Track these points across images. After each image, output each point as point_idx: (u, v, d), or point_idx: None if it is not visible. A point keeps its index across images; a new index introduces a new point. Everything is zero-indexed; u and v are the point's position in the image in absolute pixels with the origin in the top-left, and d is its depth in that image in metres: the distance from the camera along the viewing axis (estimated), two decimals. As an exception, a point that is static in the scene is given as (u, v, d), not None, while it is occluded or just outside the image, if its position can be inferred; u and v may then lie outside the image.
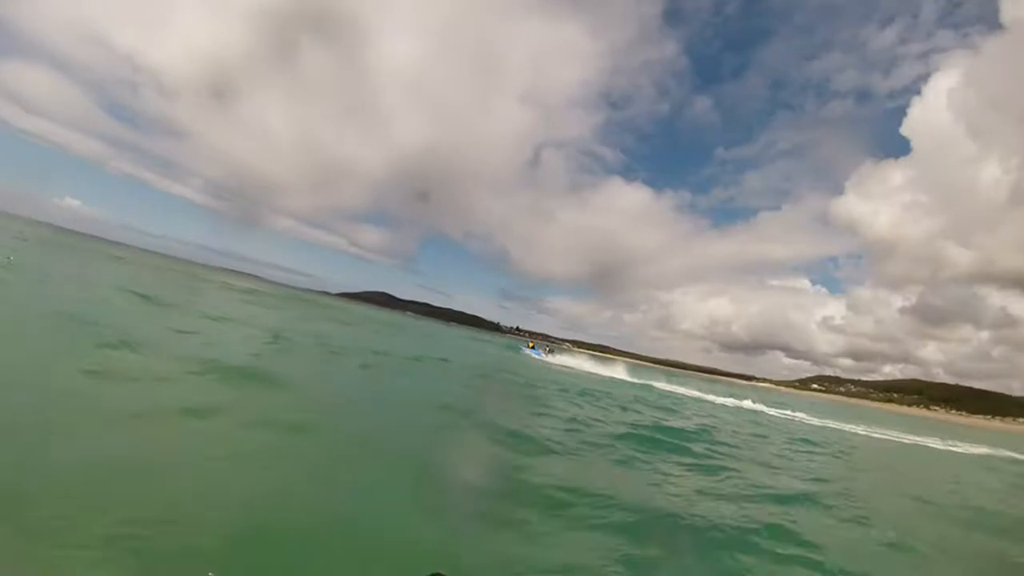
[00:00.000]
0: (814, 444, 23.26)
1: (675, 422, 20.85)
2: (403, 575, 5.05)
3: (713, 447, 15.96)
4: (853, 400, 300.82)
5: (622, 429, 15.82)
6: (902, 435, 42.71)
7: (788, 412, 45.23)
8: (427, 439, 10.72)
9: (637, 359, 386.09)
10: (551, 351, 63.38)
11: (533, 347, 65.18)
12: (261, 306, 40.02)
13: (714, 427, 21.58)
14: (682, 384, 57.71)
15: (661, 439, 15.11)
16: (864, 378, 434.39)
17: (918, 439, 40.64)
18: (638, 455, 12.49)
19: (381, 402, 14.18)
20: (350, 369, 18.83)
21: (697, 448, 15.05)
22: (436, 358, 30.68)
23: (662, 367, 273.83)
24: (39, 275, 23.42)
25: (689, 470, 12.24)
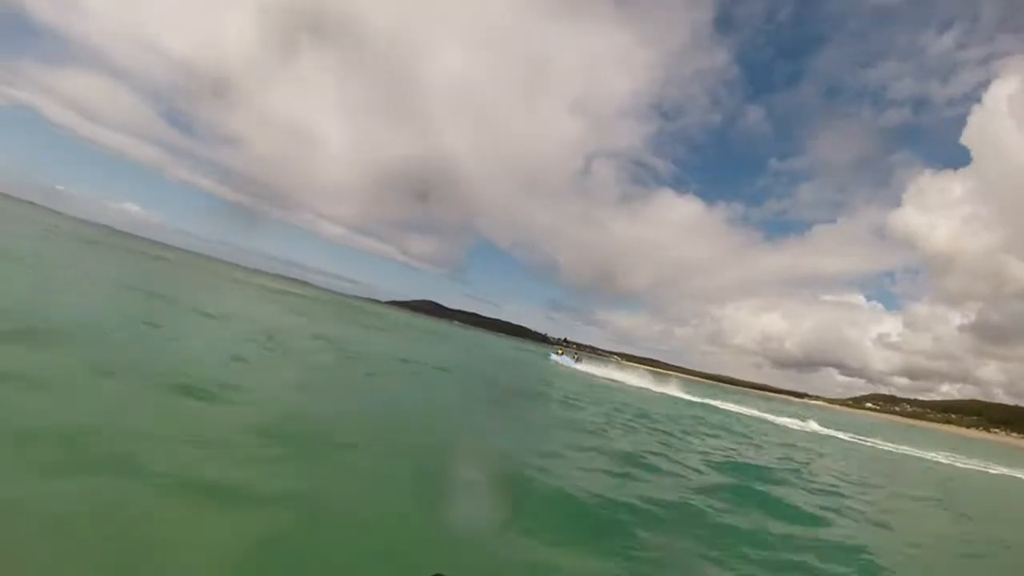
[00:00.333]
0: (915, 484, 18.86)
1: (753, 455, 16.82)
2: None
3: (816, 496, 11.88)
4: (909, 420, 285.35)
5: (696, 472, 11.82)
6: (987, 465, 37.78)
7: (861, 437, 40.67)
8: (383, 492, 6.74)
9: (687, 374, 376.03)
10: (579, 359, 62.22)
11: (562, 354, 64.89)
12: (283, 307, 37.30)
13: (804, 464, 17.33)
14: (738, 402, 53.09)
15: (749, 487, 11.10)
16: (921, 397, 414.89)
17: (1006, 470, 35.22)
18: (730, 521, 8.47)
19: (349, 422, 10.05)
20: (350, 377, 15.35)
21: (800, 500, 10.99)
22: (465, 368, 27.51)
23: (713, 383, 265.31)
24: (39, 265, 21.11)
25: (820, 554, 8.18)
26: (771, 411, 49.61)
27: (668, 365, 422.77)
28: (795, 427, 37.21)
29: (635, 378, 53.80)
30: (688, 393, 48.15)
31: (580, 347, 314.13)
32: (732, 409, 40.39)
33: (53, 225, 62.60)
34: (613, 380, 49.19)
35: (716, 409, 37.03)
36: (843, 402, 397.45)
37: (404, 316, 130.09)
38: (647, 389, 44.07)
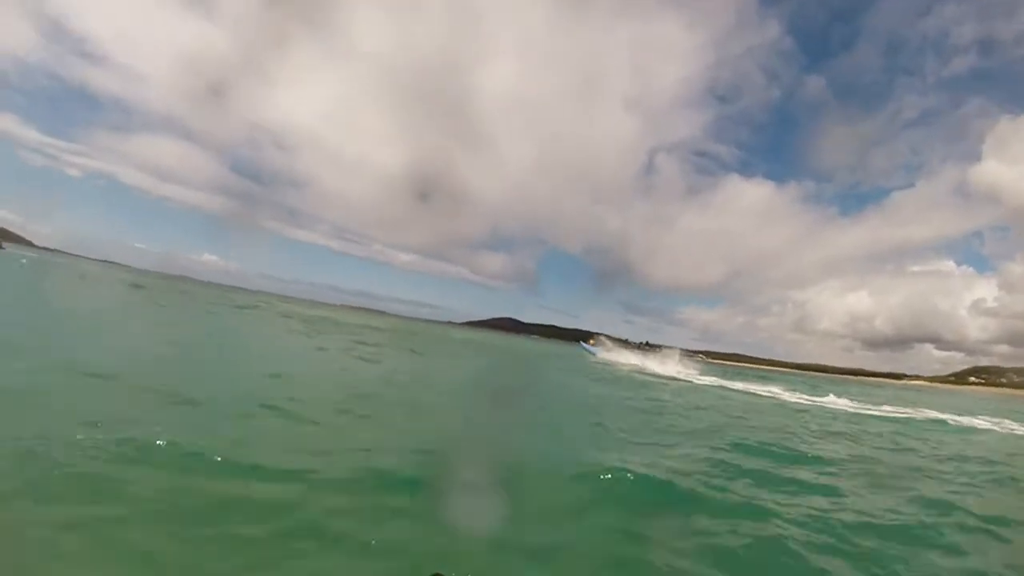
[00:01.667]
0: None
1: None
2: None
3: None
4: (1021, 392, 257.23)
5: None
6: None
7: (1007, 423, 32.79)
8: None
9: (775, 366, 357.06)
10: (609, 350, 64.33)
11: (593, 344, 68.55)
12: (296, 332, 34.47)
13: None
14: (856, 397, 44.97)
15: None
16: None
17: None
18: None
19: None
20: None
21: None
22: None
23: (806, 373, 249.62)
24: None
25: None
26: (901, 402, 42.54)
27: (754, 359, 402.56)
28: (952, 423, 30.01)
29: (669, 366, 53.77)
30: (797, 391, 41.72)
31: (661, 347, 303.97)
32: (874, 412, 33.33)
33: (138, 283, 62.68)
34: (640, 369, 49.65)
35: (827, 410, 30.84)
36: (944, 379, 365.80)
37: (473, 335, 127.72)
38: (751, 392, 37.71)
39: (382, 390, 16.51)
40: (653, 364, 55.01)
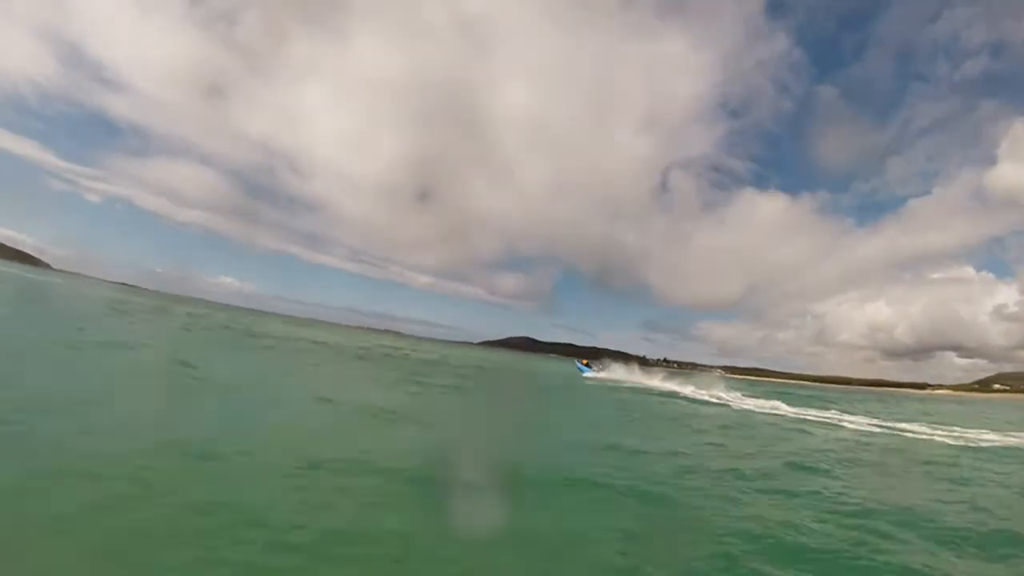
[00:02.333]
0: None
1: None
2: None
3: None
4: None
5: None
6: None
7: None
8: None
9: (795, 379, 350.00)
10: (603, 368, 66.28)
11: (587, 364, 68.52)
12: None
13: None
14: (875, 413, 42.39)
15: None
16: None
17: None
18: None
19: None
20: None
21: None
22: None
23: (829, 386, 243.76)
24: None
25: None
26: (934, 420, 39.93)
27: (774, 372, 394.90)
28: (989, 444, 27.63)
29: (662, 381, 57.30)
30: (804, 408, 39.47)
31: (682, 365, 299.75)
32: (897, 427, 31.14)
33: (162, 307, 62.25)
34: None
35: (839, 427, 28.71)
36: (968, 387, 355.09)
37: (495, 355, 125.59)
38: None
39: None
40: (645, 379, 59.46)
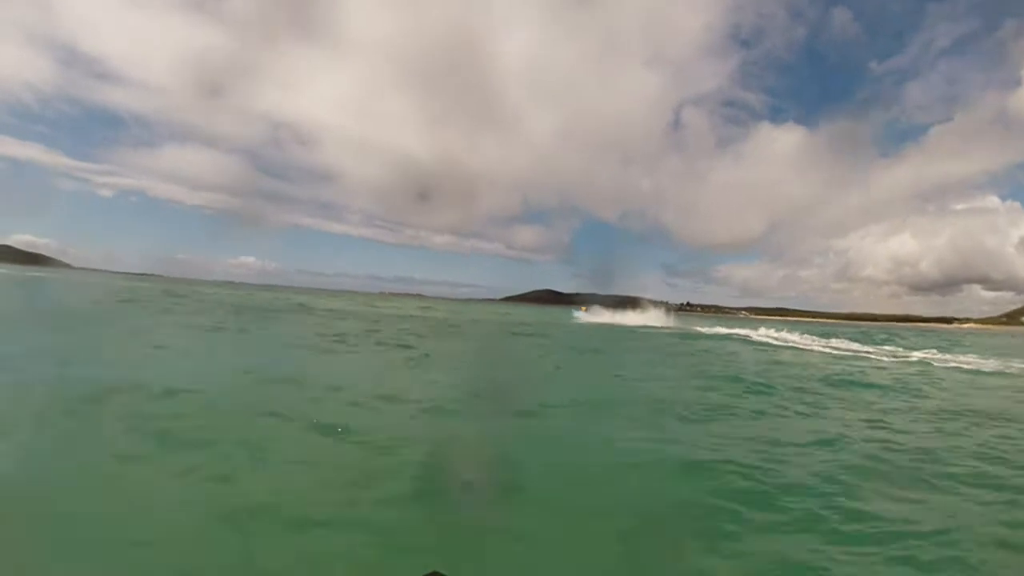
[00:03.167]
0: None
1: None
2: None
3: None
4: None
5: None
6: None
7: None
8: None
9: (820, 318, 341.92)
10: (596, 312, 73.64)
11: (586, 310, 76.36)
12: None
13: None
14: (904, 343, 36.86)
15: None
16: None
17: None
18: None
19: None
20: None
21: None
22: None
23: (856, 323, 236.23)
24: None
25: None
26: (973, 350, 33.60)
27: (799, 312, 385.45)
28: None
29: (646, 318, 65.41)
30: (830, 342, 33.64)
31: (705, 308, 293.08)
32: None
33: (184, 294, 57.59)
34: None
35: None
36: (997, 320, 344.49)
37: (516, 309, 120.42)
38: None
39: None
40: (629, 318, 66.53)
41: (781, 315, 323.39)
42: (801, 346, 34.17)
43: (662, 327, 47.66)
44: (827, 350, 31.81)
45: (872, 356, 28.08)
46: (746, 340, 37.77)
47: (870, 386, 16.51)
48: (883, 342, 41.85)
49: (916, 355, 28.75)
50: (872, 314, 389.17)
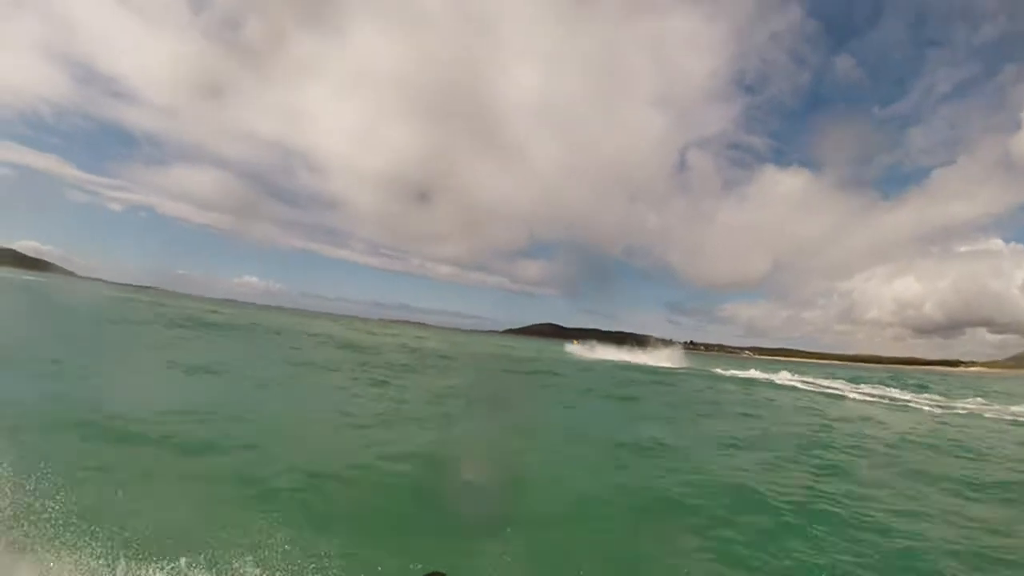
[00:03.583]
0: None
1: None
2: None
3: None
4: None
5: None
6: None
7: None
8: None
9: (824, 359, 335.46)
10: (592, 348, 70.11)
11: (578, 344, 74.23)
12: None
13: None
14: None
15: None
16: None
17: None
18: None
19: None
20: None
21: None
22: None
23: (860, 366, 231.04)
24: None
25: None
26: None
27: (803, 352, 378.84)
28: None
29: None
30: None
31: (708, 347, 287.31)
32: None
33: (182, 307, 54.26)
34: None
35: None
36: (1004, 364, 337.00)
37: (516, 342, 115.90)
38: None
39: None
40: (640, 356, 61.00)
41: (785, 355, 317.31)
42: (839, 392, 30.53)
43: (678, 367, 43.39)
44: (870, 398, 28.20)
45: (925, 406, 24.45)
46: (772, 384, 34.17)
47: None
48: (918, 388, 38.24)
49: (965, 405, 25.10)
50: (877, 356, 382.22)
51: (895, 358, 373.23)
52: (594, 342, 75.87)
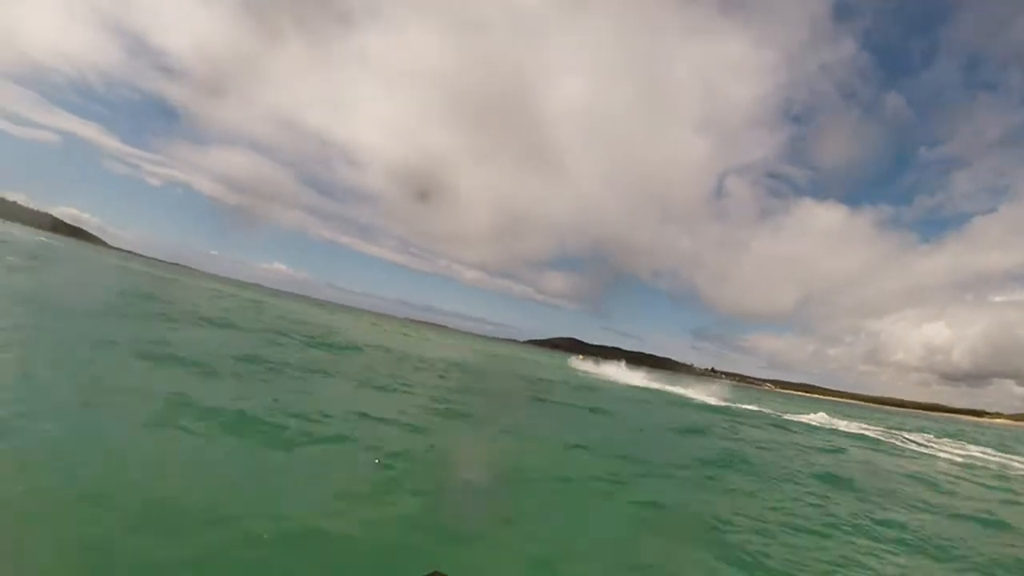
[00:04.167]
0: None
1: None
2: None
3: None
4: None
5: None
6: None
7: None
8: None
9: (846, 398, 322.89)
10: (598, 363, 66.98)
11: (582, 359, 73.25)
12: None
13: None
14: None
15: None
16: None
17: None
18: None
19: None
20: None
21: None
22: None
23: (883, 408, 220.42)
24: None
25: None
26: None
27: (825, 390, 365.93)
28: None
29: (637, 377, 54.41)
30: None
31: (729, 375, 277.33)
32: None
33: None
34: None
35: None
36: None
37: (536, 355, 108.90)
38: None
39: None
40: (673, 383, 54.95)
41: (807, 391, 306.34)
42: (923, 449, 24.57)
43: (717, 403, 36.80)
44: (963, 457, 22.31)
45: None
46: (837, 431, 28.25)
47: None
48: (1002, 447, 32.15)
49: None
50: (900, 399, 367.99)
51: (919, 403, 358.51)
52: (592, 358, 73.68)
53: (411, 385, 16.25)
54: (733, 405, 35.71)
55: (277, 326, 26.37)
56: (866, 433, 29.85)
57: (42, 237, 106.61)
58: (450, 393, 16.63)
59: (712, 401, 36.81)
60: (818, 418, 35.04)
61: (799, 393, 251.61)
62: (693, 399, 36.76)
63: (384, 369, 19.36)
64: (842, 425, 33.13)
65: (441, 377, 21.49)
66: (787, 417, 32.87)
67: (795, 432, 24.85)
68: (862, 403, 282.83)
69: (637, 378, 53.43)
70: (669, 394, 40.28)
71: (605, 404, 22.57)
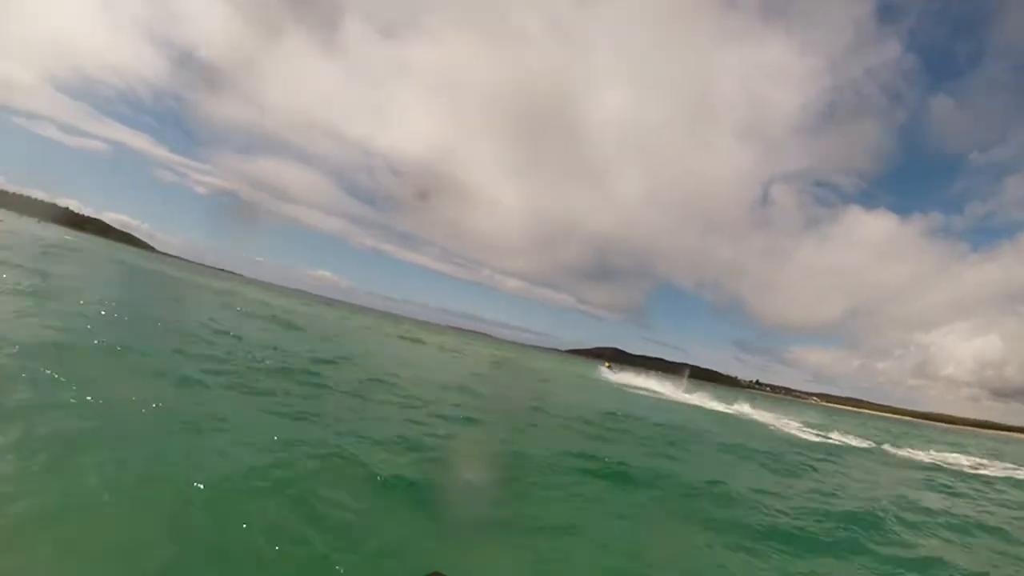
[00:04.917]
0: None
1: None
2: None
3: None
4: None
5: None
6: None
7: None
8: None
9: (894, 413, 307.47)
10: (620, 371, 66.71)
11: (610, 367, 70.57)
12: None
13: None
14: None
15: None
16: None
17: None
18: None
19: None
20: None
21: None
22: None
23: (934, 424, 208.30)
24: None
25: None
26: None
27: (873, 404, 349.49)
28: None
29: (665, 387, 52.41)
30: None
31: (775, 388, 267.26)
32: None
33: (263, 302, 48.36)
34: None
35: None
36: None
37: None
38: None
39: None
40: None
41: (855, 406, 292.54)
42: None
43: (812, 437, 31.54)
44: None
45: None
46: (961, 472, 23.72)
47: None
48: None
49: None
50: (950, 415, 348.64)
51: (970, 419, 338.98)
52: (625, 366, 71.20)
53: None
54: (830, 439, 30.96)
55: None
56: (984, 472, 25.25)
57: (92, 244, 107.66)
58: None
59: (806, 435, 31.74)
60: (928, 457, 30.14)
61: (847, 407, 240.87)
62: (779, 429, 32.12)
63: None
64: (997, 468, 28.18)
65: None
66: (921, 457, 28.22)
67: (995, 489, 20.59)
68: (910, 418, 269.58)
69: (694, 397, 48.32)
70: (740, 419, 36.03)
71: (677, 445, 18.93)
